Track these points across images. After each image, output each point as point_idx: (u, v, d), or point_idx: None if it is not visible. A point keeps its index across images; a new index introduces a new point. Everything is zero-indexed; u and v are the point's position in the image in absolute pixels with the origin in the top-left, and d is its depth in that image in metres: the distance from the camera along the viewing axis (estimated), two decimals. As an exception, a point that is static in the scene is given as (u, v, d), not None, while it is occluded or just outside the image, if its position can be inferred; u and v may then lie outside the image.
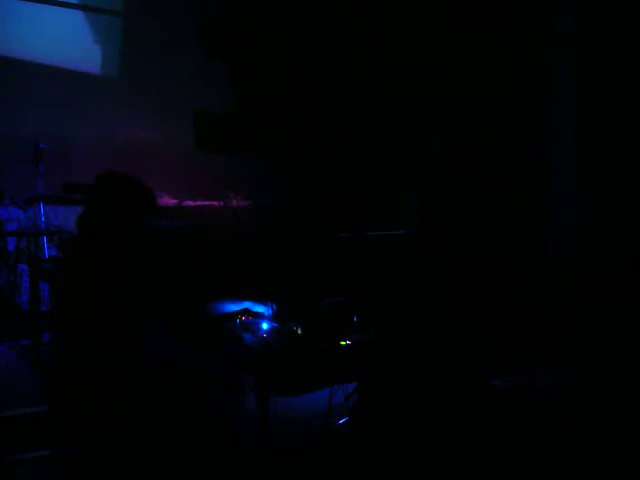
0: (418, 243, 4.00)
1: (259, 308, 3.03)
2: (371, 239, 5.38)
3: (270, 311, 3.02)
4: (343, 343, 2.84)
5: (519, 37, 6.10)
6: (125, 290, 2.53)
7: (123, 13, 6.77)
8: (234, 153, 7.00)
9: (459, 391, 3.29)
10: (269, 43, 7.17)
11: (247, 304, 3.04)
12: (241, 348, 2.78)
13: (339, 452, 3.30)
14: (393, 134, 6.89)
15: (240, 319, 2.95)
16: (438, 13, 6.69)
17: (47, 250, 5.48)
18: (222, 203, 6.47)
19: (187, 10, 6.76)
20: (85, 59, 6.53)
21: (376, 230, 5.56)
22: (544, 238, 5.93)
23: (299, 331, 2.87)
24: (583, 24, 5.70)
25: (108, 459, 2.41)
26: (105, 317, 2.46)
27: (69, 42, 6.47)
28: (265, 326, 2.89)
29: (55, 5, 6.44)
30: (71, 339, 2.49)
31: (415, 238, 4.26)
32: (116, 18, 6.74)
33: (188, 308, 2.96)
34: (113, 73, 6.71)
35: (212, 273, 3.88)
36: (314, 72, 7.25)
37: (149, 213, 2.70)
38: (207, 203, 6.45)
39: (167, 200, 6.11)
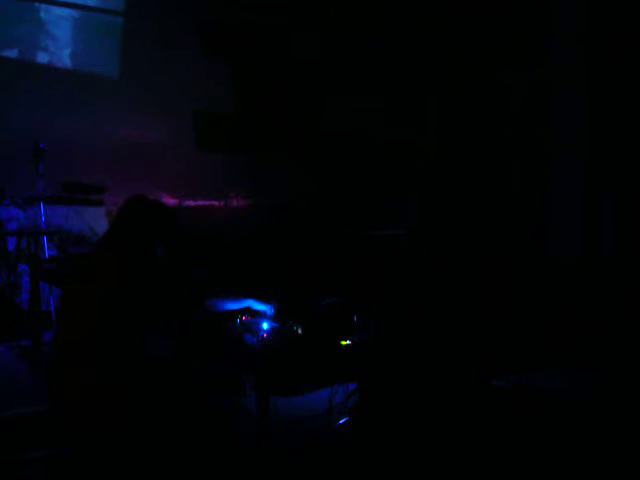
0: (418, 243, 4.00)
1: (261, 307, 3.03)
2: (371, 239, 5.38)
3: (272, 310, 3.02)
4: (343, 343, 2.84)
5: (519, 36, 6.10)
6: (138, 297, 2.57)
7: (123, 13, 6.77)
8: (234, 153, 7.00)
9: (459, 391, 3.29)
10: (269, 43, 7.17)
11: (249, 302, 3.04)
12: (241, 348, 2.78)
13: (339, 452, 3.30)
14: (393, 134, 6.89)
15: (240, 319, 2.94)
16: (438, 13, 6.69)
17: (47, 250, 5.48)
18: (222, 203, 6.47)
19: (187, 10, 6.77)
20: (85, 59, 6.53)
21: (376, 230, 5.56)
22: (544, 238, 5.93)
23: (299, 331, 2.87)
24: (583, 24, 5.70)
25: (108, 459, 2.41)
26: (113, 320, 2.49)
27: (69, 42, 6.47)
28: (265, 326, 2.89)
29: (55, 5, 6.45)
30: (76, 340, 2.50)
31: (415, 238, 4.26)
32: (116, 18, 6.74)
33: (188, 308, 2.96)
34: (113, 73, 6.71)
35: (212, 273, 3.88)
36: (314, 71, 7.25)
37: (171, 232, 2.81)
38: (207, 203, 6.45)
39: (167, 200, 6.10)
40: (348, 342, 2.84)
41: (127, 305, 2.55)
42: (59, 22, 6.43)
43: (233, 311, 2.98)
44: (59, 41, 6.42)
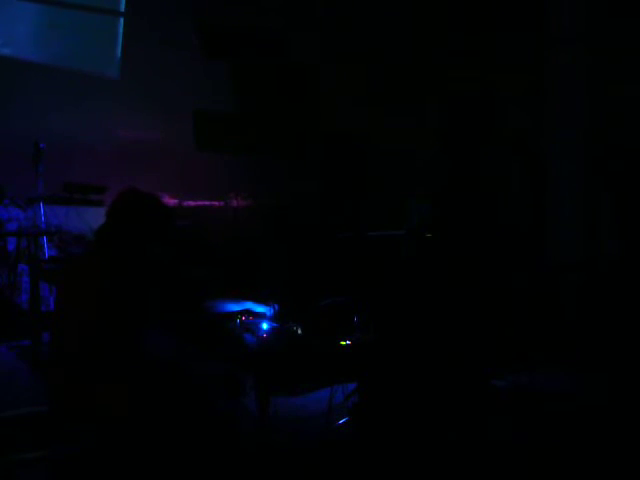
0: (419, 243, 4.00)
1: (260, 308, 3.03)
2: (371, 239, 5.38)
3: (272, 311, 3.02)
4: (343, 343, 2.84)
5: (519, 37, 6.10)
6: (131, 297, 2.56)
7: (123, 13, 6.77)
8: (234, 153, 7.00)
9: (459, 391, 3.29)
10: (269, 43, 7.17)
11: (249, 304, 3.04)
12: (241, 348, 2.78)
13: (339, 452, 3.30)
14: (394, 134, 6.89)
15: (240, 319, 2.95)
16: (438, 13, 6.69)
17: (47, 250, 5.47)
18: (222, 203, 6.47)
19: (187, 10, 6.76)
20: (85, 59, 6.53)
21: (376, 230, 5.56)
22: (544, 238, 5.93)
23: (299, 331, 2.87)
24: (583, 24, 5.70)
25: (108, 459, 2.41)
26: (108, 319, 2.48)
27: (69, 42, 6.47)
28: (265, 326, 2.89)
29: (55, 5, 6.45)
30: (73, 340, 2.49)
31: (415, 238, 4.26)
32: (116, 18, 6.74)
33: (188, 308, 2.96)
34: (113, 73, 6.71)
35: (212, 273, 3.89)
36: (314, 71, 7.25)
37: (166, 230, 2.77)
38: (207, 203, 6.45)
39: (167, 200, 6.11)
40: (348, 342, 2.84)
41: (123, 304, 2.54)
42: (59, 22, 6.43)
43: (233, 312, 2.98)
44: (59, 41, 6.42)
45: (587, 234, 5.68)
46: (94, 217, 5.83)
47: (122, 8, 6.77)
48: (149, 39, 6.61)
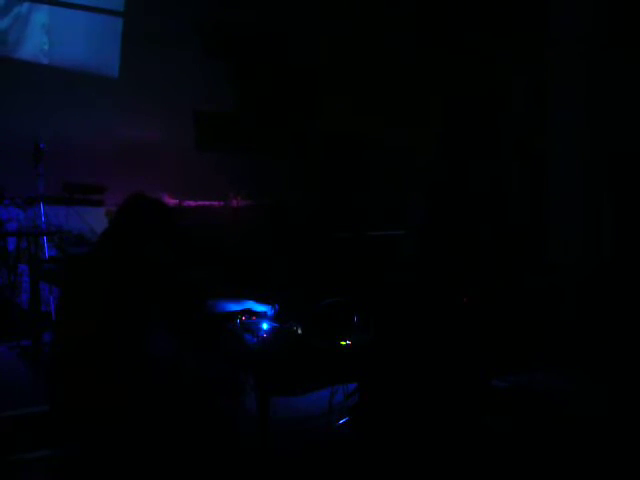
0: (419, 243, 4.01)
1: (261, 308, 3.03)
2: (371, 239, 5.37)
3: (272, 311, 3.02)
4: (343, 343, 2.84)
5: (519, 37, 6.10)
6: (132, 298, 2.57)
7: (123, 13, 6.77)
8: (234, 153, 7.00)
9: (459, 391, 3.29)
10: (269, 43, 7.17)
11: (249, 304, 3.04)
12: (241, 348, 2.78)
13: (339, 452, 3.30)
14: (394, 134, 6.89)
15: (240, 319, 2.95)
16: (438, 13, 6.70)
17: (47, 250, 5.47)
18: (222, 203, 6.47)
19: (187, 10, 6.76)
20: (85, 59, 6.53)
21: (376, 230, 5.56)
22: (544, 238, 5.93)
23: (299, 331, 2.87)
24: (583, 24, 5.70)
25: (109, 459, 2.41)
26: (110, 319, 2.49)
27: (69, 42, 6.47)
28: (265, 326, 2.89)
29: (56, 5, 6.45)
30: (75, 340, 2.50)
31: (416, 238, 4.27)
32: (116, 18, 6.74)
33: (188, 308, 2.96)
34: (113, 73, 6.71)
35: (212, 273, 3.89)
36: (314, 71, 7.25)
37: (167, 231, 2.78)
38: (207, 203, 6.45)
39: (167, 200, 6.10)
40: (348, 342, 2.84)
41: (125, 304, 2.55)
42: (59, 22, 6.43)
43: (233, 312, 2.98)
44: (59, 41, 6.42)
45: (587, 234, 5.68)
46: (94, 217, 5.84)
47: (122, 8, 6.76)
48: (149, 39, 6.61)
